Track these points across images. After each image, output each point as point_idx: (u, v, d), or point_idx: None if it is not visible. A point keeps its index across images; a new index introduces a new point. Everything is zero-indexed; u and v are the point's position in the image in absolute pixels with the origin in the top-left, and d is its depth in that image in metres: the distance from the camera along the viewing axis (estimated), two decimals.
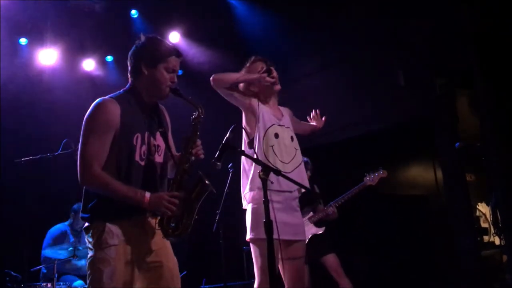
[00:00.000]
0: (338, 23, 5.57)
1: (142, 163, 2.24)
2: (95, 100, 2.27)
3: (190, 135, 2.31)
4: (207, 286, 5.41)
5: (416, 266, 5.23)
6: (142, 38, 2.35)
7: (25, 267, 4.84)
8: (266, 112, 3.07)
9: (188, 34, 6.36)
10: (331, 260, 4.67)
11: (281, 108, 3.27)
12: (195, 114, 2.34)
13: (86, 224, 2.23)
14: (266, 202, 2.29)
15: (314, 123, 3.42)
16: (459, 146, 4.65)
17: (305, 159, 4.66)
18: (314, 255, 4.59)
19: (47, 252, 4.79)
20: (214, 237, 4.04)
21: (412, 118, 5.42)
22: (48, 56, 5.95)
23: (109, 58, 6.49)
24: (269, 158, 2.95)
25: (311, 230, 4.63)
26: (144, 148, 2.24)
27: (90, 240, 2.19)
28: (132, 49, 2.35)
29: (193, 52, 6.30)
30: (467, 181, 4.99)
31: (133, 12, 6.12)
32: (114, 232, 2.15)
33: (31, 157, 4.67)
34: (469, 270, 4.70)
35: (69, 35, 5.88)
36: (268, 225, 2.25)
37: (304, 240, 3.11)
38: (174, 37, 6.35)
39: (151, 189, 2.20)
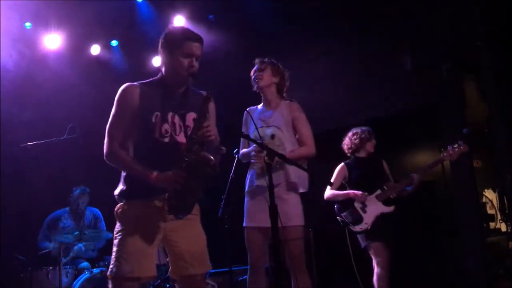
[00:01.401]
0: (343, 7, 5.48)
1: (164, 140, 2.36)
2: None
3: (197, 117, 2.37)
4: (213, 271, 5.44)
5: (420, 252, 5.22)
6: (167, 29, 2.51)
7: (32, 251, 4.89)
8: (254, 117, 3.22)
9: (193, 18, 6.30)
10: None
11: (283, 103, 3.33)
12: (205, 95, 2.42)
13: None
14: (271, 188, 2.28)
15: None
16: (466, 132, 4.61)
17: (368, 128, 4.54)
18: (378, 237, 4.16)
19: (41, 243, 5.01)
20: (219, 222, 4.06)
21: (419, 104, 5.36)
22: (52, 41, 5.93)
23: (114, 42, 6.46)
24: None
25: (378, 208, 4.21)
26: (166, 126, 2.36)
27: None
28: None
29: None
30: (474, 168, 4.96)
31: None
32: (129, 209, 2.38)
33: (37, 142, 4.69)
34: (474, 257, 4.69)
35: (74, 20, 5.84)
36: (273, 210, 2.25)
37: (294, 226, 3.19)
38: (179, 21, 6.29)
39: (173, 165, 2.28)
